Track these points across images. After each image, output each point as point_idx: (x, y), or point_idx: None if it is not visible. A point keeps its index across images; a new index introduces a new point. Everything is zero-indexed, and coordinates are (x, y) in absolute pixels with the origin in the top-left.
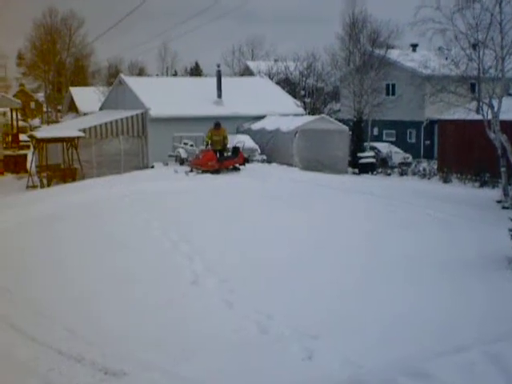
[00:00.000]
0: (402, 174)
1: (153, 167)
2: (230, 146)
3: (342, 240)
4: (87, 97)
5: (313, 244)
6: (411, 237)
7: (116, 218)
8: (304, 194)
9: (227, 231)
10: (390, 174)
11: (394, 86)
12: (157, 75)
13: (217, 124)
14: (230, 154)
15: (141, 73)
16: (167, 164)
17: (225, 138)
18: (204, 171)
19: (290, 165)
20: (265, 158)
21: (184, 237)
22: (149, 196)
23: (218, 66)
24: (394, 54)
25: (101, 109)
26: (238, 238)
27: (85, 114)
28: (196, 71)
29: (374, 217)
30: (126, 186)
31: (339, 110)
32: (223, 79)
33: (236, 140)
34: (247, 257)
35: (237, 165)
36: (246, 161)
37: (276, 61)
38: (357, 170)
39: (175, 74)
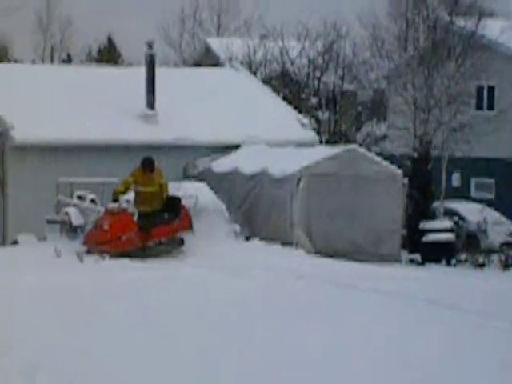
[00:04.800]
0: (506, 264)
1: (16, 243)
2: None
3: None
4: None
5: None
6: None
7: None
8: (319, 311)
9: None
10: (483, 265)
11: (492, 90)
12: (33, 62)
13: (147, 162)
14: (163, 213)
15: (1, 57)
16: (45, 238)
17: (162, 187)
18: (114, 254)
19: (288, 243)
20: (237, 228)
21: None
22: None
23: (150, 46)
24: (491, 29)
25: None
26: None
27: None
28: (107, 55)
29: None
30: None
31: (385, 137)
32: (159, 71)
33: (181, 191)
34: None
35: (178, 234)
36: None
37: (264, 38)
38: (418, 256)
39: (67, 60)
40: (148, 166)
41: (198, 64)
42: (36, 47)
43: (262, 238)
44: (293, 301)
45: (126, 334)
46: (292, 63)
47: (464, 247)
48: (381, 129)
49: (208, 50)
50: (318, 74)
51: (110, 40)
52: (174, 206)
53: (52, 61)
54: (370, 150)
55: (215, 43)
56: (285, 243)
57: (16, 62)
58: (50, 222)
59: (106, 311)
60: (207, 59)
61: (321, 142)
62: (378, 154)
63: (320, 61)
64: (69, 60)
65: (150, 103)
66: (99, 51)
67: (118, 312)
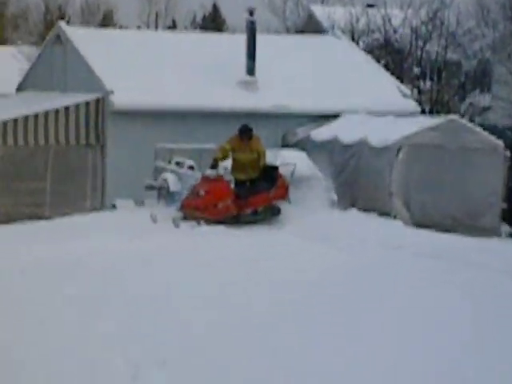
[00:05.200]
0: None
1: (114, 207)
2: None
3: None
4: None
5: None
6: None
7: None
8: (408, 282)
9: None
10: None
11: None
12: (138, 27)
13: (244, 129)
14: (260, 181)
15: (106, 22)
16: (143, 203)
17: (259, 155)
18: (209, 220)
19: (386, 213)
20: (335, 197)
21: None
22: None
23: (251, 13)
24: None
25: (20, 88)
26: None
27: None
28: (213, 22)
29: None
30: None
31: (489, 109)
32: (261, 38)
33: (279, 159)
34: None
35: (274, 202)
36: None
37: (369, 6)
38: None
39: (172, 26)
40: (246, 133)
41: (300, 32)
42: (141, 13)
43: (359, 208)
44: (388, 271)
45: (211, 301)
46: (395, 32)
47: None
48: (485, 99)
49: (311, 17)
50: (420, 43)
51: (215, 7)
52: (271, 174)
53: (156, 27)
54: (472, 121)
55: (318, 10)
56: (382, 213)
57: (121, 27)
58: (148, 187)
59: (201, 276)
60: (310, 27)
61: (422, 112)
62: (481, 125)
63: (423, 30)
64: (173, 26)
65: (250, 70)
66: (204, 18)
67: (216, 277)
